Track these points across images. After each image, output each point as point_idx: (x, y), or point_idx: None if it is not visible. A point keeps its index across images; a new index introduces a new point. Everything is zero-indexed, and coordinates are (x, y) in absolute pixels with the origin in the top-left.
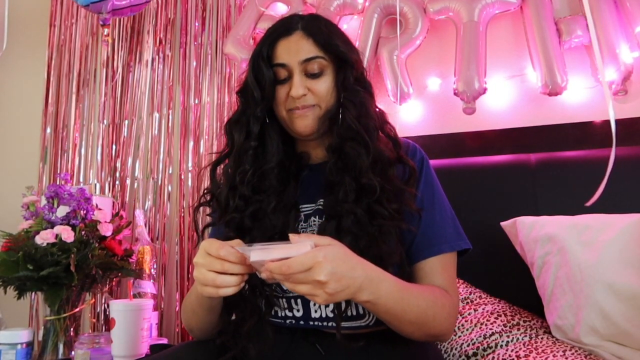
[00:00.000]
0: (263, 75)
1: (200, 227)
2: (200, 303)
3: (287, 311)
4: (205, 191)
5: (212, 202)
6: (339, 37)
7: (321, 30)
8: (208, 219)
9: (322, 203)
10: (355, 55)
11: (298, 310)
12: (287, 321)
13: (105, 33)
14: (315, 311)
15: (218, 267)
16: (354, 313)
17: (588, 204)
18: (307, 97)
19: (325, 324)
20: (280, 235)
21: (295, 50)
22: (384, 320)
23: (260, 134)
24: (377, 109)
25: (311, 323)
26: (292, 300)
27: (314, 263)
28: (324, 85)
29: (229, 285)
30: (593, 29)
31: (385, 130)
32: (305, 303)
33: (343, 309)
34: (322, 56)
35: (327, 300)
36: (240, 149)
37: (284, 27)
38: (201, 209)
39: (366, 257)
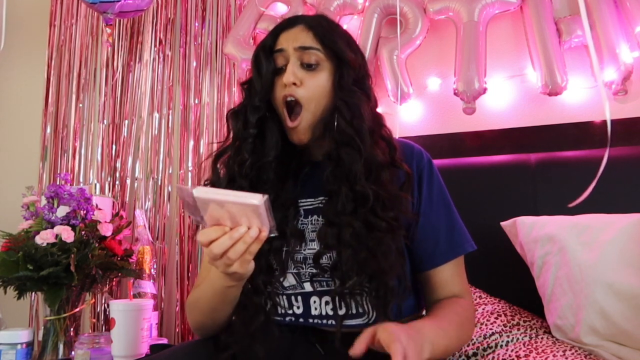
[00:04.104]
0: (263, 65)
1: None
2: (223, 298)
3: (287, 308)
4: (206, 182)
5: None
6: (340, 36)
7: (322, 25)
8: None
9: (323, 202)
10: (356, 56)
11: (298, 307)
12: (287, 318)
13: (108, 32)
14: (315, 309)
15: (217, 251)
16: (354, 312)
17: (571, 205)
18: (299, 89)
19: (324, 321)
20: (279, 233)
21: (294, 38)
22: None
23: (259, 125)
24: (374, 112)
25: (311, 320)
26: (293, 297)
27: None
28: (317, 81)
29: (245, 251)
30: (588, 30)
31: (380, 133)
32: (306, 300)
33: (344, 311)
34: (319, 49)
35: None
36: (239, 138)
37: (287, 22)
38: None
39: (366, 270)
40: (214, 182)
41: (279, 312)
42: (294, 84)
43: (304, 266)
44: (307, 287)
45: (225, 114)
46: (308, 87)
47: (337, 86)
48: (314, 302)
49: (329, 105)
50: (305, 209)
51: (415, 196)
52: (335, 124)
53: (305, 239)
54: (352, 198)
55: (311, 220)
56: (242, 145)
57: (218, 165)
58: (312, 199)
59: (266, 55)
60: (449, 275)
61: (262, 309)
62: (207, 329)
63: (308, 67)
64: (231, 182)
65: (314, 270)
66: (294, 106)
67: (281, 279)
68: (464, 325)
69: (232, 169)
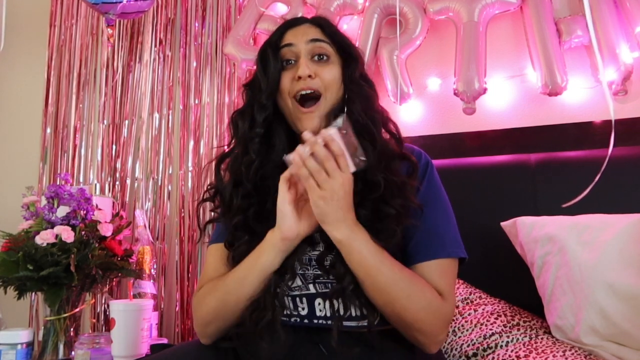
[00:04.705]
0: (269, 63)
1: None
2: (262, 271)
3: (292, 310)
4: (209, 186)
5: (215, 198)
6: (343, 34)
7: (328, 23)
8: (211, 214)
9: None
10: (359, 52)
11: (303, 309)
12: (292, 319)
13: (109, 33)
14: (320, 310)
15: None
16: (358, 313)
17: (565, 205)
18: (314, 80)
19: (329, 322)
20: None
21: (303, 33)
22: (357, 275)
23: (266, 126)
24: (380, 107)
25: (315, 321)
26: (298, 299)
27: (341, 178)
28: (331, 73)
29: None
30: (592, 30)
31: (388, 127)
32: (311, 302)
33: (343, 312)
34: (329, 42)
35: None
36: (246, 138)
37: (293, 20)
38: (206, 203)
39: None
40: (218, 187)
41: (284, 312)
42: (309, 76)
43: (309, 267)
44: (312, 288)
45: (225, 114)
46: (323, 78)
47: (348, 79)
48: (319, 304)
49: (340, 97)
50: None
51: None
52: (347, 112)
53: (312, 241)
54: (360, 188)
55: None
56: (249, 146)
57: (223, 167)
58: None
59: (273, 51)
60: (424, 271)
61: (271, 307)
62: (218, 319)
63: (319, 58)
64: (237, 186)
65: (317, 272)
66: (308, 99)
67: (290, 282)
68: (411, 287)
69: (239, 170)
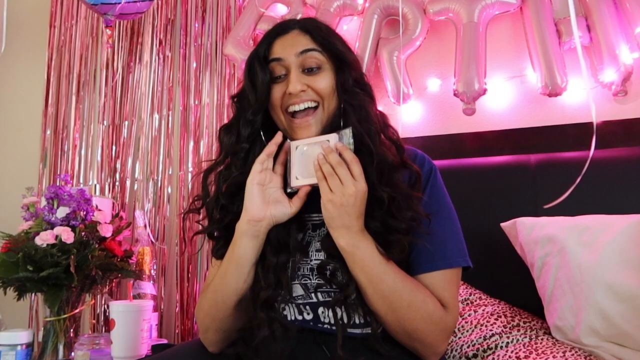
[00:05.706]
0: (257, 76)
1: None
2: (237, 265)
3: (297, 315)
4: (196, 198)
5: (200, 210)
6: (336, 38)
7: (319, 28)
8: (198, 225)
9: None
10: (353, 56)
11: (308, 314)
12: (297, 323)
13: (108, 33)
14: (324, 318)
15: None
16: (362, 321)
17: (547, 206)
18: (307, 93)
19: (334, 328)
20: (283, 247)
21: (291, 44)
22: (359, 283)
23: (251, 142)
24: (378, 112)
25: (320, 326)
26: (302, 306)
27: (354, 187)
28: (324, 82)
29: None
30: (576, 31)
31: (387, 134)
32: (314, 310)
33: (346, 320)
34: (320, 50)
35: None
36: (231, 152)
37: (280, 27)
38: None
39: None
40: (204, 200)
41: (289, 318)
42: (302, 91)
43: (311, 277)
44: (314, 297)
45: (225, 114)
46: (316, 88)
47: (341, 88)
48: (322, 312)
49: (335, 107)
50: (314, 223)
51: None
52: (342, 126)
53: (310, 250)
54: (368, 202)
55: (319, 233)
56: (233, 160)
57: (210, 179)
58: (320, 214)
59: (261, 65)
60: (428, 283)
61: (265, 324)
62: (214, 321)
63: (309, 71)
64: (218, 199)
65: (320, 281)
66: (300, 111)
67: (289, 290)
68: (413, 296)
69: (220, 184)
